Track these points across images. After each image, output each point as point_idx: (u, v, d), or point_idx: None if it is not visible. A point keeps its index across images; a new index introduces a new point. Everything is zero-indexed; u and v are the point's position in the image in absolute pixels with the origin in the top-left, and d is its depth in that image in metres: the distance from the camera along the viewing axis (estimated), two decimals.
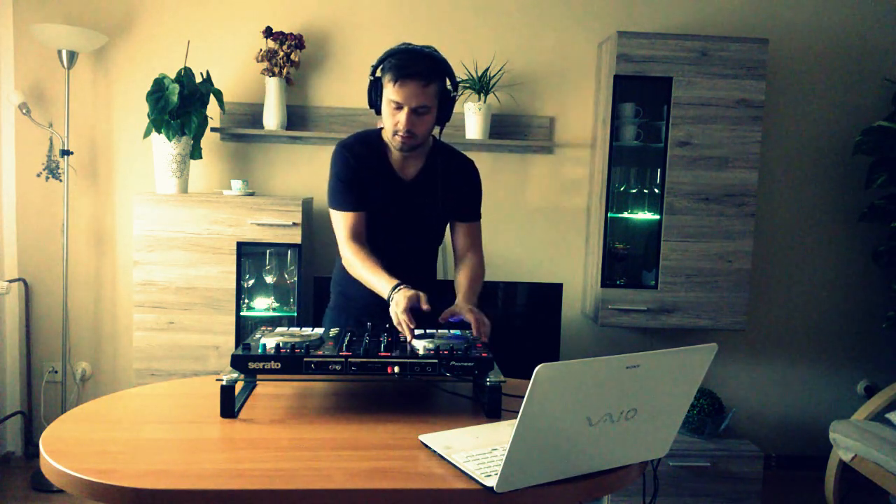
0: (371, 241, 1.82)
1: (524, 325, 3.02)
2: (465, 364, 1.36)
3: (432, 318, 1.64)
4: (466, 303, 1.71)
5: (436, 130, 1.82)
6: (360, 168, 1.79)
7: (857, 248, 3.30)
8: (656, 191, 2.94)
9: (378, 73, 1.73)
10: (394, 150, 1.80)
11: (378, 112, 1.77)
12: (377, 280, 1.68)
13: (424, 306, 1.55)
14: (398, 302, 1.55)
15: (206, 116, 2.81)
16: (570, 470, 1.10)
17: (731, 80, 2.84)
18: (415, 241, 1.88)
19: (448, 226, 1.94)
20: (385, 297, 1.63)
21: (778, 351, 3.33)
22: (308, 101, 3.08)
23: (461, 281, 1.82)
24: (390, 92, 1.69)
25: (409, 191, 1.83)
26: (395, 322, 1.55)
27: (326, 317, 1.97)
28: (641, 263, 3.06)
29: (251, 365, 1.34)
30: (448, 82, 1.75)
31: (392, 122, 1.72)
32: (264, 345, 1.38)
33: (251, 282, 2.81)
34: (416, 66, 1.66)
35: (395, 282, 1.62)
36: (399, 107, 1.69)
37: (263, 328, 1.56)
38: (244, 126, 3.02)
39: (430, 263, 1.98)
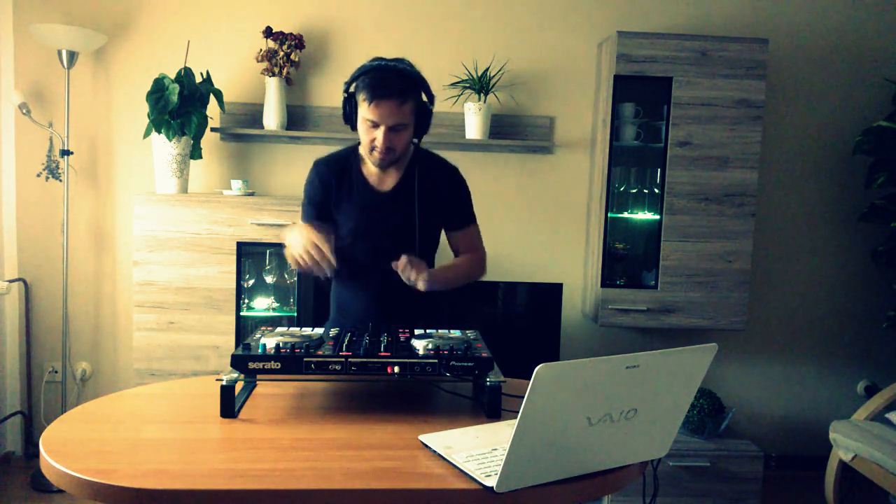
0: (352, 256, 1.79)
1: (524, 325, 3.02)
2: (465, 364, 1.36)
3: (431, 319, 1.65)
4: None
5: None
6: (330, 186, 1.78)
7: (857, 248, 3.30)
8: (656, 191, 2.94)
9: (352, 90, 1.70)
10: (370, 164, 1.77)
11: (353, 128, 1.74)
12: None
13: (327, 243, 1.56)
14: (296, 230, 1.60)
15: (206, 116, 2.81)
16: (570, 470, 1.10)
17: (731, 80, 2.84)
18: (396, 255, 1.77)
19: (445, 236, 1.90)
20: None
21: (778, 351, 3.33)
22: (308, 101, 3.08)
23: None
24: (365, 111, 1.66)
25: (386, 203, 1.78)
26: (297, 254, 1.57)
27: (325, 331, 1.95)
28: (641, 263, 3.06)
29: (251, 365, 1.34)
30: (424, 96, 1.72)
31: (368, 140, 1.69)
32: (264, 345, 1.38)
33: (251, 282, 2.82)
34: (390, 85, 1.63)
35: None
36: (375, 125, 1.66)
37: (263, 328, 1.56)
38: (244, 126, 3.02)
39: None
